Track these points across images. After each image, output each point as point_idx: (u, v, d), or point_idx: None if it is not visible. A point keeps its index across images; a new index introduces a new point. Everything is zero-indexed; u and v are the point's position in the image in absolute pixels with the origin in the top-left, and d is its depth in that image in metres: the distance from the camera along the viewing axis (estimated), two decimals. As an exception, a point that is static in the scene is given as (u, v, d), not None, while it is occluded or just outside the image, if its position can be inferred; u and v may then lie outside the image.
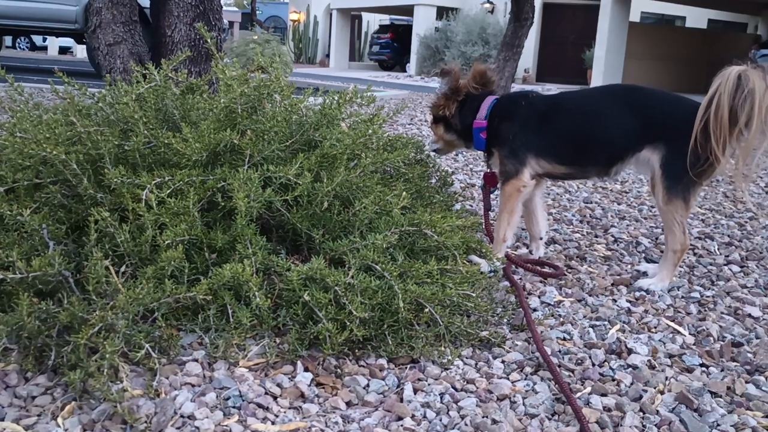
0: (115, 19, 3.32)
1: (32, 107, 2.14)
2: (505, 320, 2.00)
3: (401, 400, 1.55)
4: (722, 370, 1.79)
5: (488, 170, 2.60)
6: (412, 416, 1.49)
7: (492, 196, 2.71)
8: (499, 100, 2.50)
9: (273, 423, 1.43)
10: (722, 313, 2.20)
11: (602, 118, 2.38)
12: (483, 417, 1.49)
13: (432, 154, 2.87)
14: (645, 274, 2.50)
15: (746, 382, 1.72)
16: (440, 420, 1.48)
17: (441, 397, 1.57)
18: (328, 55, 27.81)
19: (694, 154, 2.17)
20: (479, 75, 2.51)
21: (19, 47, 25.17)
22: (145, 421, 1.38)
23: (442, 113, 2.56)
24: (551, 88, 17.27)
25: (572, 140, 2.41)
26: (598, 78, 16.43)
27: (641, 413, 1.56)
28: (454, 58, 20.23)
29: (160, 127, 2.04)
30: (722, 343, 1.95)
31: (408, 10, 23.57)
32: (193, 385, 1.53)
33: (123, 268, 1.69)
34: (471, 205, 3.41)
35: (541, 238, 2.67)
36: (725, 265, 2.71)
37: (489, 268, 2.30)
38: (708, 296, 2.33)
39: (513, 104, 2.48)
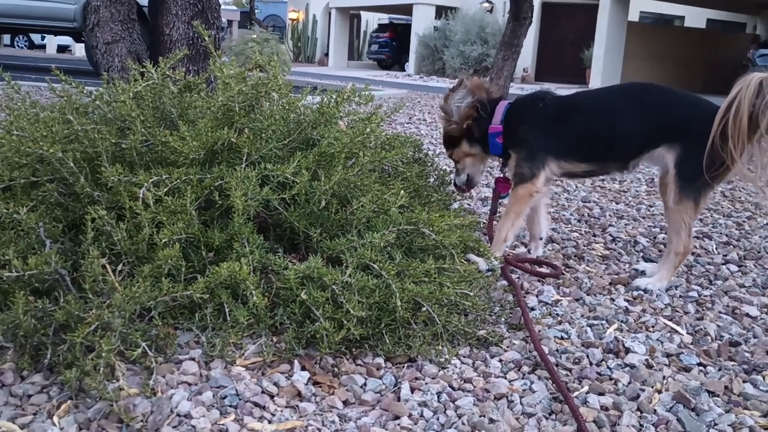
0: (113, 18, 3.31)
1: (29, 105, 2.14)
2: (503, 319, 2.00)
3: (398, 399, 1.55)
4: (720, 370, 1.79)
5: (501, 175, 2.58)
6: (409, 415, 1.49)
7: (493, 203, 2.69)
8: (514, 103, 2.47)
9: (270, 422, 1.43)
10: (720, 312, 2.19)
11: (623, 115, 2.37)
12: (480, 416, 1.49)
13: (457, 193, 2.79)
14: (643, 273, 2.50)
15: (744, 382, 1.72)
16: (437, 419, 1.48)
17: (438, 396, 1.57)
18: (326, 54, 27.81)
19: (710, 157, 2.17)
20: (477, 89, 2.48)
21: (18, 45, 25.13)
22: (141, 420, 1.37)
23: (466, 127, 2.49)
24: (550, 88, 17.26)
25: (594, 138, 2.40)
26: (596, 78, 16.44)
27: (639, 412, 1.56)
28: (453, 57, 20.23)
29: (158, 125, 2.03)
30: (720, 342, 1.95)
31: (407, 9, 23.56)
32: (189, 384, 1.53)
33: (120, 267, 1.68)
34: (469, 204, 3.41)
35: (540, 238, 2.67)
36: (723, 264, 2.71)
37: (486, 267, 2.29)
38: (706, 295, 2.33)
39: (530, 107, 2.46)
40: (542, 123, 2.42)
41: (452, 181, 2.73)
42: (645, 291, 2.31)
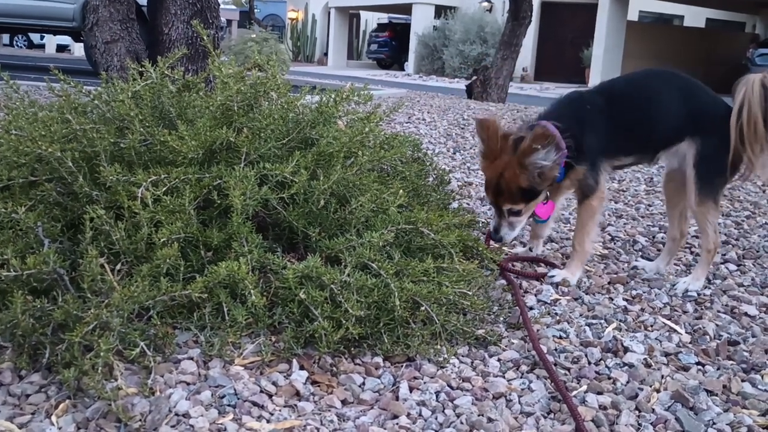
0: (113, 17, 3.32)
1: (28, 105, 2.14)
2: (501, 318, 2.00)
3: (397, 399, 1.55)
4: (718, 369, 1.79)
5: (544, 202, 2.35)
6: (408, 414, 1.49)
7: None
8: (562, 118, 2.22)
9: (268, 421, 1.43)
10: (719, 311, 2.20)
11: (662, 106, 2.35)
12: (478, 415, 1.49)
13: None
14: (643, 270, 2.51)
15: (742, 381, 1.72)
16: (436, 418, 1.48)
17: (436, 396, 1.57)
18: (326, 54, 27.83)
19: (734, 160, 2.23)
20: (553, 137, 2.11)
21: (17, 45, 25.10)
22: (140, 420, 1.37)
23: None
24: (549, 87, 17.28)
25: (639, 131, 2.36)
26: (596, 77, 16.46)
27: (637, 411, 1.56)
28: (452, 56, 20.25)
29: (156, 124, 2.03)
30: (718, 341, 1.95)
31: (406, 9, 23.58)
32: (188, 384, 1.53)
33: (118, 266, 1.68)
34: (468, 204, 3.41)
35: (542, 238, 2.67)
36: (722, 263, 2.71)
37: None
38: (705, 295, 2.33)
39: (579, 113, 2.29)
40: (595, 127, 2.30)
41: (498, 236, 2.27)
42: (688, 293, 2.31)
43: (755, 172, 2.26)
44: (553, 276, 2.33)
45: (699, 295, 2.32)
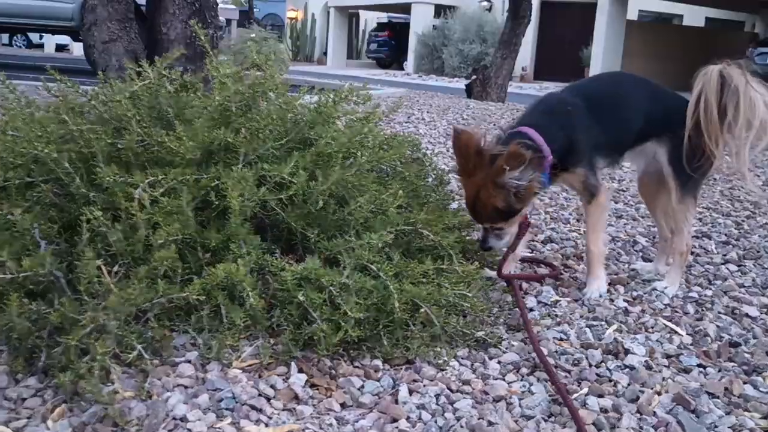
0: (111, 17, 3.30)
1: (24, 105, 2.12)
2: (502, 320, 1.99)
3: (396, 402, 1.53)
4: (720, 371, 1.78)
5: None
6: (407, 418, 1.48)
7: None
8: (548, 124, 2.15)
9: (266, 425, 1.42)
10: (720, 312, 2.18)
11: (632, 106, 2.32)
12: (478, 418, 1.48)
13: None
14: (641, 273, 2.50)
15: (744, 383, 1.71)
16: (435, 422, 1.47)
17: (436, 399, 1.56)
18: (325, 53, 27.81)
19: (691, 151, 2.19)
20: (527, 155, 1.96)
21: (16, 45, 25.07)
22: (137, 424, 1.36)
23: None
24: (548, 87, 17.26)
25: (616, 130, 2.30)
26: (595, 76, 16.45)
27: (638, 414, 1.55)
28: (452, 56, 20.25)
29: (154, 125, 2.02)
30: (720, 343, 1.94)
31: (406, 8, 23.57)
32: (185, 387, 1.51)
33: (115, 268, 1.67)
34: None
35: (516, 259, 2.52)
36: (723, 264, 2.70)
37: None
38: (705, 296, 2.32)
39: (566, 119, 2.20)
40: (583, 126, 2.21)
41: (487, 246, 2.20)
42: (663, 292, 2.28)
43: (716, 162, 2.21)
44: (585, 293, 2.23)
45: (699, 296, 2.31)
